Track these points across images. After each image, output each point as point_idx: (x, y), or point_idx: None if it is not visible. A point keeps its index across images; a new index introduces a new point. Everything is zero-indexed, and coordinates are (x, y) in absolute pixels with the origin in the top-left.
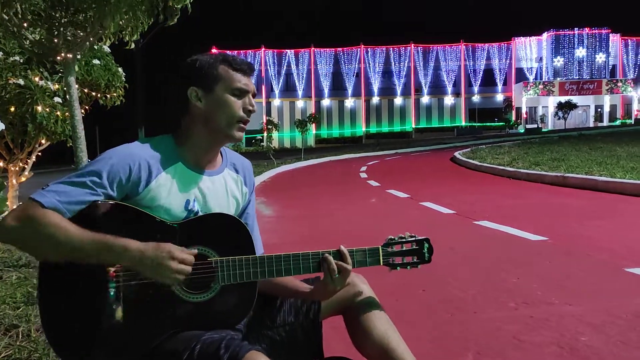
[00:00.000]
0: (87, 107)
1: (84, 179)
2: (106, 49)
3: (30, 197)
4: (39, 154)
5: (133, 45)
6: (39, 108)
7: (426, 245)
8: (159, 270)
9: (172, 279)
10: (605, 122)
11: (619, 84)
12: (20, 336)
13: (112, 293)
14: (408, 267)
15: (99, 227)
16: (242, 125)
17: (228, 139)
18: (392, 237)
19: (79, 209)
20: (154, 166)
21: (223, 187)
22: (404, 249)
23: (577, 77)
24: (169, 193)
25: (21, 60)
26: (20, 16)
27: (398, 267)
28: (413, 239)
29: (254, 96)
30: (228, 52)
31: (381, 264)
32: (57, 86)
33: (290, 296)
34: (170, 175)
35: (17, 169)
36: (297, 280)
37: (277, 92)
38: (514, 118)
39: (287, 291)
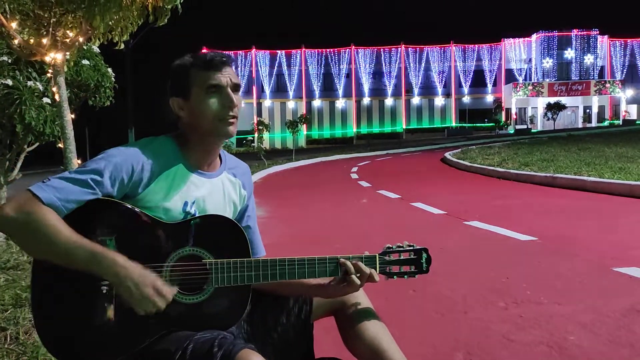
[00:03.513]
0: (73, 107)
1: (85, 177)
2: (95, 49)
3: (29, 189)
4: (27, 154)
5: (123, 46)
6: (28, 109)
7: (424, 255)
8: (137, 292)
9: (145, 306)
10: (594, 123)
11: (607, 85)
12: (8, 339)
13: (104, 292)
14: (405, 276)
15: (95, 225)
16: (229, 120)
17: (219, 138)
18: (390, 246)
19: (76, 207)
20: (156, 167)
21: (221, 190)
22: (402, 258)
23: (566, 78)
24: (168, 194)
25: (9, 61)
26: (8, 16)
27: (395, 277)
28: (411, 248)
29: (235, 89)
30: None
31: (377, 272)
32: (45, 86)
33: (302, 293)
34: (170, 176)
35: (5, 169)
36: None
37: (267, 92)
38: (503, 119)
39: (298, 289)
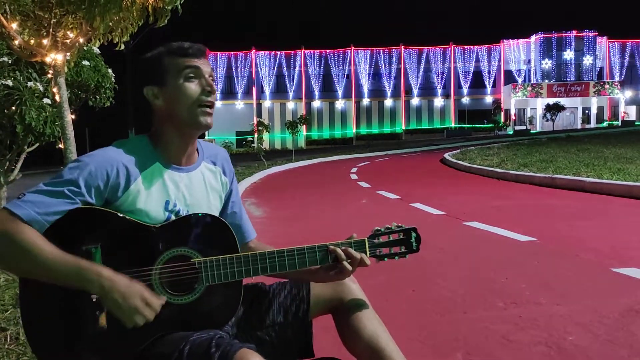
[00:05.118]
0: (74, 108)
1: (62, 188)
2: (96, 50)
3: (5, 208)
4: (27, 155)
5: (123, 47)
6: (28, 109)
7: (414, 234)
8: (125, 304)
9: (133, 319)
10: (593, 124)
11: (606, 86)
12: (8, 339)
13: (94, 300)
14: (396, 257)
15: (79, 235)
16: (206, 109)
17: (196, 129)
18: (379, 228)
19: (57, 218)
20: (132, 169)
21: (201, 182)
22: (391, 239)
23: (565, 79)
24: (148, 195)
25: (9, 61)
26: (8, 17)
27: (385, 258)
28: (400, 228)
29: (212, 78)
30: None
31: (368, 256)
32: (46, 87)
33: (294, 278)
34: (148, 177)
35: (5, 170)
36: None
37: (267, 93)
38: (502, 119)
39: (290, 274)
